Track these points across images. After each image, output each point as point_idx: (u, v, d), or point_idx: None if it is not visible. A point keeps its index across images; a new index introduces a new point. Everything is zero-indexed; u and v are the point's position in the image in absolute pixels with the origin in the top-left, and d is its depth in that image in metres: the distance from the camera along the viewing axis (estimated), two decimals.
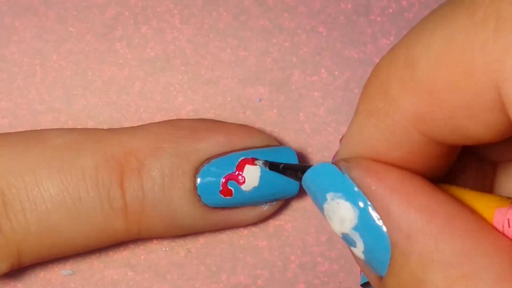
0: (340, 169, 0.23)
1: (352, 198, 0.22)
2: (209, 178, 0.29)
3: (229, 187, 0.29)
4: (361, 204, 0.22)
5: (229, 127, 0.31)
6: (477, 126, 0.21)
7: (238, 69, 0.33)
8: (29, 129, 0.32)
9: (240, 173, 0.29)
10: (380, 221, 0.22)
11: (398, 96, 0.22)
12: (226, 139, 0.30)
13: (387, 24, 0.33)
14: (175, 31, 0.33)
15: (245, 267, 0.32)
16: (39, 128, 0.32)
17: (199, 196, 0.29)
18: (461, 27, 0.20)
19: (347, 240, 0.23)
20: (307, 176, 0.24)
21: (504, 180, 0.26)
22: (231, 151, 0.30)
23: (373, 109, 0.23)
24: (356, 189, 0.22)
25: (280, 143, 0.32)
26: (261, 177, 0.30)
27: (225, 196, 0.29)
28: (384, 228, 0.22)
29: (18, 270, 0.31)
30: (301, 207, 0.32)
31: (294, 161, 0.30)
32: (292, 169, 0.27)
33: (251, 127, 0.31)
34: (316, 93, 0.33)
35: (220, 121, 0.32)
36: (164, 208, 0.29)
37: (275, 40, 0.33)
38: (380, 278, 0.22)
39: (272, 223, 0.32)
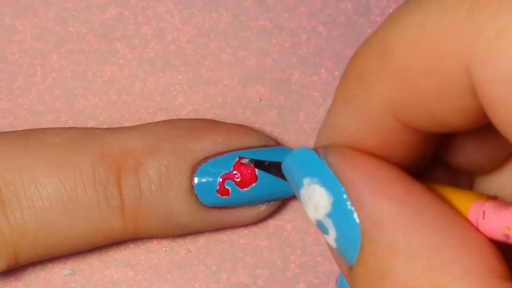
0: (319, 155, 0.23)
1: (327, 184, 0.22)
2: (206, 178, 0.29)
3: (226, 187, 0.29)
4: (335, 191, 0.22)
5: (226, 127, 0.31)
6: (451, 112, 0.21)
7: (238, 69, 0.33)
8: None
9: (237, 173, 0.29)
10: (352, 208, 0.22)
11: (374, 82, 0.22)
12: (223, 139, 0.30)
13: None
14: (175, 31, 0.33)
15: (245, 267, 0.32)
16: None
17: (196, 195, 0.29)
18: (434, 10, 0.20)
19: (321, 227, 0.23)
20: (286, 161, 0.24)
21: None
22: (228, 151, 0.30)
23: (349, 96, 0.22)
24: (331, 175, 0.22)
25: (278, 143, 0.32)
26: (258, 177, 0.30)
27: (222, 195, 0.30)
28: (356, 216, 0.21)
29: (18, 270, 0.31)
30: (301, 207, 0.32)
31: None
32: (276, 166, 0.27)
33: (248, 127, 0.31)
34: (316, 93, 0.33)
35: (218, 121, 0.32)
36: (161, 207, 0.29)
37: (275, 40, 0.33)
38: (350, 268, 0.22)
39: (272, 223, 0.32)
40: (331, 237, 0.22)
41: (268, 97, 0.33)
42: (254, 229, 0.32)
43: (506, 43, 0.18)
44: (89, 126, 0.32)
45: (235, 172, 0.29)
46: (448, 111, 0.21)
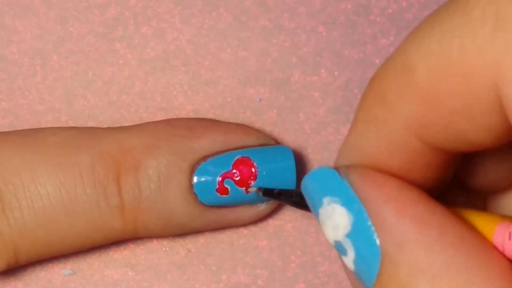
0: (340, 174, 0.23)
1: (348, 203, 0.22)
2: (206, 177, 0.29)
3: (226, 186, 0.29)
4: (356, 210, 0.22)
5: (225, 126, 0.31)
6: (477, 130, 0.20)
7: (238, 69, 0.33)
8: None
9: (237, 172, 0.29)
10: (373, 228, 0.21)
11: (396, 102, 0.21)
12: (222, 138, 0.30)
13: (387, 25, 0.33)
14: (175, 31, 0.33)
15: (245, 267, 0.32)
16: None
17: (196, 194, 0.29)
18: (457, 27, 0.19)
19: (339, 249, 0.23)
20: (306, 179, 0.24)
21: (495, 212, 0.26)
22: (228, 150, 0.30)
23: (371, 116, 0.22)
24: (352, 194, 0.22)
25: (277, 142, 0.32)
26: (257, 176, 0.30)
27: (221, 194, 0.29)
28: (376, 236, 0.21)
29: (18, 270, 0.31)
30: None
31: (290, 159, 0.30)
32: (286, 194, 0.27)
33: (248, 126, 0.31)
34: (316, 93, 0.33)
35: (217, 120, 0.32)
36: (160, 206, 0.29)
37: (275, 40, 0.33)
38: None
39: (272, 223, 0.32)
40: (350, 258, 0.22)
41: (268, 97, 0.33)
42: (254, 229, 0.32)
43: None
44: (89, 126, 0.32)
45: (234, 171, 0.29)
46: (474, 129, 0.20)
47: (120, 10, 0.33)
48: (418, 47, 0.21)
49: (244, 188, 0.30)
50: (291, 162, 0.30)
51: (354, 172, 0.22)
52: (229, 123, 0.31)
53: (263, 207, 0.31)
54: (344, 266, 0.23)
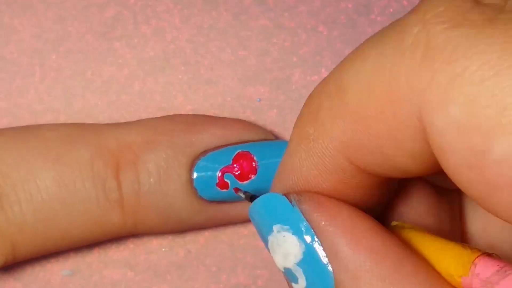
0: (291, 201, 0.22)
1: (299, 232, 0.22)
2: (205, 171, 0.29)
3: (226, 180, 0.29)
4: (308, 240, 0.22)
5: (225, 121, 0.31)
6: (403, 156, 0.20)
7: (238, 69, 0.33)
8: None
9: (237, 166, 0.29)
10: (326, 258, 0.21)
11: (328, 122, 0.21)
12: (222, 132, 0.30)
13: (388, 24, 0.33)
14: (175, 31, 0.33)
15: (245, 267, 0.32)
16: None
17: (195, 189, 0.29)
18: (389, 53, 0.20)
19: (289, 275, 0.23)
20: (254, 205, 0.23)
21: (472, 207, 0.26)
22: (227, 144, 0.30)
23: (304, 134, 0.22)
24: (305, 223, 0.22)
25: (276, 138, 0.32)
26: (257, 170, 0.30)
27: (221, 189, 0.29)
28: (330, 266, 0.21)
29: (17, 270, 0.31)
30: None
31: None
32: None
33: (248, 121, 0.31)
34: None
35: (216, 116, 0.32)
36: (160, 200, 0.29)
37: (275, 40, 0.33)
38: None
39: None
40: (300, 286, 0.22)
41: (268, 97, 0.32)
42: (254, 229, 0.32)
43: (457, 90, 0.18)
44: None
45: (234, 165, 0.29)
46: (400, 156, 0.20)
47: (119, 9, 0.33)
48: (352, 69, 0.21)
49: (244, 182, 0.30)
50: None
51: (306, 201, 0.22)
52: (229, 118, 0.31)
53: None
54: None
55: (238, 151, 0.29)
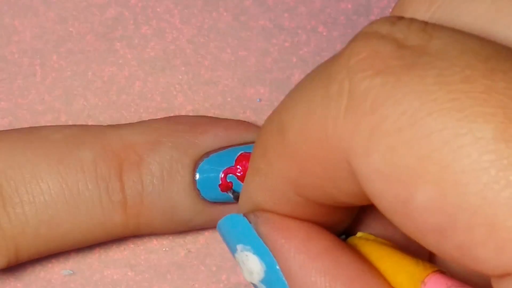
0: (250, 223, 0.23)
1: (259, 253, 0.23)
2: (208, 173, 0.29)
3: (228, 181, 0.29)
4: (267, 260, 0.22)
5: (227, 122, 0.31)
6: (343, 194, 0.21)
7: (238, 69, 0.33)
8: None
9: (239, 167, 0.29)
10: (284, 279, 0.22)
11: (273, 159, 0.22)
12: (225, 134, 0.30)
13: None
14: (175, 31, 0.33)
15: None
16: None
17: (198, 190, 0.29)
18: (319, 98, 0.20)
19: None
20: (220, 224, 0.24)
21: None
22: (230, 146, 0.30)
23: (257, 167, 0.23)
24: (263, 245, 0.23)
25: None
26: None
27: (224, 190, 0.29)
28: (288, 286, 0.22)
29: (18, 270, 0.31)
30: None
31: None
32: None
33: (250, 123, 0.31)
34: None
35: (219, 117, 0.32)
36: (163, 202, 0.29)
37: (275, 40, 0.33)
38: None
39: None
40: None
41: (268, 97, 0.33)
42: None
43: (378, 140, 0.18)
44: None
45: (237, 166, 0.29)
46: (339, 194, 0.21)
47: (120, 10, 0.33)
48: (290, 109, 0.21)
49: None
50: None
51: (262, 222, 0.23)
52: (231, 119, 0.31)
53: None
54: None
55: (241, 152, 0.29)
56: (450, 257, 0.18)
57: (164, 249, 0.32)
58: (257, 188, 0.23)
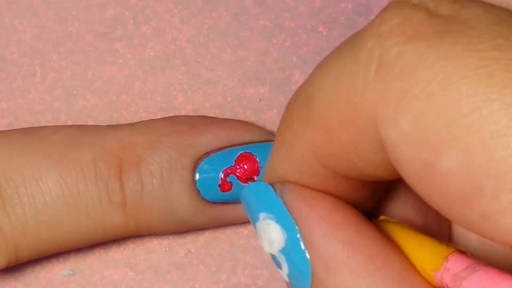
0: (275, 191, 0.23)
1: (282, 221, 0.23)
2: (208, 173, 0.29)
3: (228, 181, 0.29)
4: (289, 229, 0.22)
5: (227, 122, 0.31)
6: (367, 164, 0.21)
7: (238, 69, 0.33)
8: None
9: (239, 167, 0.29)
10: (305, 248, 0.22)
11: (300, 130, 0.22)
12: (224, 134, 0.30)
13: None
14: (175, 31, 0.33)
15: (245, 267, 0.32)
16: None
17: (198, 190, 0.29)
18: (347, 66, 0.20)
19: (275, 261, 0.23)
20: (244, 192, 0.24)
21: None
22: (230, 146, 0.30)
23: (283, 140, 0.23)
24: (286, 213, 0.23)
25: None
26: (260, 171, 0.30)
27: (224, 190, 0.29)
28: (308, 256, 0.22)
29: (18, 270, 0.31)
30: None
31: None
32: None
33: (250, 123, 0.31)
34: None
35: (219, 117, 0.32)
36: (163, 202, 0.29)
37: (275, 40, 0.33)
38: None
39: None
40: (284, 272, 0.23)
41: (268, 97, 0.33)
42: (254, 229, 0.32)
43: (407, 105, 0.18)
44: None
45: (237, 166, 0.29)
46: (364, 164, 0.21)
47: (119, 10, 0.33)
48: (317, 80, 0.21)
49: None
50: None
51: (288, 191, 0.23)
52: (231, 119, 0.31)
53: None
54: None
55: (240, 152, 0.30)
56: (474, 226, 0.18)
57: (164, 249, 0.32)
58: (282, 160, 0.23)
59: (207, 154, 0.29)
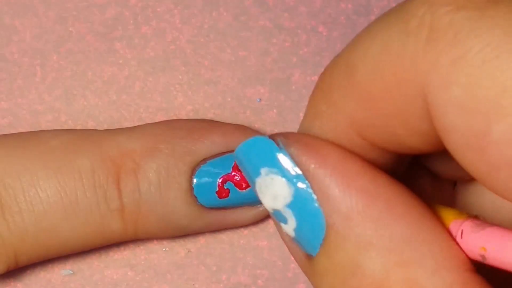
0: (278, 145, 0.22)
1: (288, 175, 0.22)
2: (205, 179, 0.29)
3: (225, 188, 0.29)
4: (297, 182, 0.21)
5: (225, 127, 0.31)
6: (411, 135, 0.21)
7: (238, 69, 0.33)
8: (29, 129, 0.32)
9: (236, 173, 0.29)
10: (317, 200, 0.21)
11: (339, 100, 0.22)
12: (222, 140, 0.30)
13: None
14: (175, 31, 0.33)
15: (245, 267, 0.32)
16: (39, 129, 0.32)
17: (196, 196, 0.29)
18: (396, 34, 0.20)
19: (277, 216, 0.22)
20: (242, 147, 0.23)
21: (462, 201, 0.26)
22: (227, 152, 0.30)
23: (317, 111, 0.23)
24: (293, 166, 0.22)
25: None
26: None
27: (221, 197, 0.29)
28: (321, 209, 0.21)
29: (18, 270, 0.31)
30: None
31: None
32: None
33: (247, 127, 0.31)
34: None
35: (216, 121, 0.32)
36: (160, 208, 0.29)
37: (275, 40, 0.33)
38: (310, 256, 0.22)
39: (272, 223, 0.32)
40: (290, 226, 0.22)
41: (268, 97, 0.33)
42: (254, 229, 0.32)
43: (460, 72, 0.18)
44: (88, 126, 0.32)
45: (234, 173, 0.29)
46: (407, 134, 0.21)
47: (120, 10, 0.33)
48: (361, 49, 0.21)
49: (244, 190, 0.30)
50: None
51: (294, 141, 0.22)
52: (228, 124, 0.31)
53: (263, 208, 0.31)
54: (281, 232, 0.23)
55: None
56: None
57: (164, 249, 0.32)
58: (317, 132, 0.22)
59: (204, 160, 0.29)
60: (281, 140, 0.22)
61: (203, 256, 0.32)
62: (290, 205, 0.22)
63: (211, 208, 0.30)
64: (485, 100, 0.18)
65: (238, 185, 0.29)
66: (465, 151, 0.19)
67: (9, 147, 0.29)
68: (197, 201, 0.29)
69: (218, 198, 0.29)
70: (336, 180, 0.21)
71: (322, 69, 0.32)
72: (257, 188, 0.23)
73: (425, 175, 0.26)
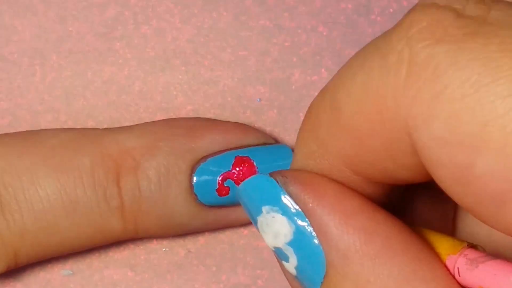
0: (278, 183, 0.23)
1: (289, 213, 0.22)
2: (205, 177, 0.29)
3: (226, 186, 0.29)
4: (298, 220, 0.22)
5: (225, 125, 0.31)
6: (401, 169, 0.21)
7: (238, 69, 0.33)
8: (29, 129, 0.32)
9: (236, 171, 0.29)
10: (316, 239, 0.21)
11: (327, 139, 0.22)
12: (222, 137, 0.30)
13: (388, 24, 0.33)
14: (175, 31, 0.33)
15: (245, 267, 0.32)
16: (39, 128, 0.32)
17: (196, 194, 0.29)
18: (376, 71, 0.20)
19: (279, 254, 0.23)
20: (244, 185, 0.24)
21: (465, 216, 0.26)
22: (227, 150, 0.30)
23: (308, 151, 0.23)
24: (293, 204, 0.22)
25: (276, 142, 0.32)
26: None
27: (221, 195, 0.29)
28: (321, 247, 0.21)
29: (17, 270, 0.31)
30: None
31: (290, 158, 0.30)
32: None
33: (247, 125, 0.31)
34: (316, 93, 0.33)
35: (216, 119, 0.32)
36: (160, 207, 0.29)
37: (275, 40, 0.33)
38: None
39: None
40: (291, 264, 0.22)
41: (268, 97, 0.33)
42: (254, 229, 0.32)
43: (440, 107, 0.18)
44: (88, 125, 0.32)
45: (234, 170, 0.29)
46: (398, 168, 0.21)
47: (119, 10, 0.33)
48: (344, 87, 0.21)
49: None
50: (291, 161, 0.30)
51: (293, 181, 0.22)
52: (228, 122, 0.31)
53: None
54: (284, 270, 0.23)
55: (237, 156, 0.29)
56: (508, 227, 0.18)
57: (164, 249, 0.32)
58: (312, 171, 0.23)
59: (204, 158, 0.29)
60: (280, 179, 0.23)
61: (203, 256, 0.32)
62: (291, 243, 0.22)
63: (211, 206, 0.30)
64: (467, 134, 0.18)
65: (238, 182, 0.29)
66: (452, 184, 0.19)
67: (8, 146, 0.29)
68: (197, 199, 0.29)
69: (218, 196, 0.29)
70: (334, 218, 0.21)
71: (322, 69, 0.33)
72: (259, 226, 0.23)
73: (426, 189, 0.26)
